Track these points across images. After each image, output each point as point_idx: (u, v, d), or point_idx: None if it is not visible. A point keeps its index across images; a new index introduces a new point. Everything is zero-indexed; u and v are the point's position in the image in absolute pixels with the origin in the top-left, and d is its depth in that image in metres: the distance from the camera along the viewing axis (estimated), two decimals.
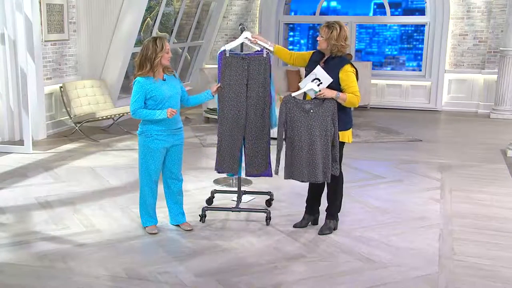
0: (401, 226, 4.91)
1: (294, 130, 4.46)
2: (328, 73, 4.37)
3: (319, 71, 4.35)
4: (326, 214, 4.75)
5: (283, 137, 4.52)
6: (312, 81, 4.35)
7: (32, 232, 4.66)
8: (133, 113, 4.41)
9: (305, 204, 4.87)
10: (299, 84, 4.52)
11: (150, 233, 4.61)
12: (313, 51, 4.69)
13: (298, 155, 4.46)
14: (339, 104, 4.41)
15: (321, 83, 4.33)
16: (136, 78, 4.40)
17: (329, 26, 4.41)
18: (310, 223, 4.84)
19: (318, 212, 4.86)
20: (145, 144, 4.48)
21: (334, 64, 4.42)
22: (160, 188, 4.74)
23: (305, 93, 4.49)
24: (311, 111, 4.41)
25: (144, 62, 4.36)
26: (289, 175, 4.55)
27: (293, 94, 4.47)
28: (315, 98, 4.39)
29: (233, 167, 4.89)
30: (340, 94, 4.37)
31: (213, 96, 4.74)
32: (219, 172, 5.03)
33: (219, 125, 4.85)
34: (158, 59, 4.35)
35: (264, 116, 4.74)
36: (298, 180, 4.56)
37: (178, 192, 4.76)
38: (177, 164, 4.68)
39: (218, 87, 4.75)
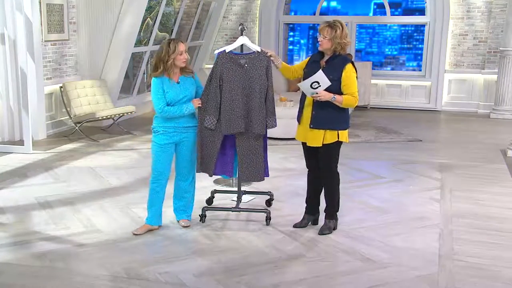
0: (401, 226, 4.91)
1: (230, 83, 4.59)
2: (330, 72, 4.39)
3: (320, 75, 4.35)
4: (325, 214, 4.75)
5: (219, 92, 4.60)
6: (312, 84, 4.36)
7: (32, 232, 4.66)
8: (161, 111, 4.47)
9: (305, 204, 4.87)
10: (298, 84, 4.53)
11: (135, 233, 4.60)
12: (309, 57, 4.71)
13: (236, 107, 4.59)
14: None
15: (319, 86, 4.35)
16: (152, 78, 4.51)
17: (332, 25, 4.41)
18: (310, 223, 4.83)
19: (318, 212, 4.86)
20: (153, 140, 4.60)
21: (336, 63, 4.43)
22: (169, 188, 4.77)
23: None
24: (246, 65, 4.58)
25: (158, 63, 4.48)
26: (227, 129, 4.60)
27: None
28: (251, 52, 4.64)
29: (209, 170, 4.80)
30: (336, 96, 4.39)
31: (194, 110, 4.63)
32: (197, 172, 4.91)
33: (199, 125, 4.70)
34: (171, 61, 4.43)
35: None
36: (235, 132, 4.61)
37: (185, 190, 4.78)
38: (185, 163, 4.69)
39: (199, 104, 4.60)
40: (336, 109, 4.45)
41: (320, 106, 4.46)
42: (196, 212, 5.03)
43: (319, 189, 4.80)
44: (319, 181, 4.73)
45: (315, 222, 4.84)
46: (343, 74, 4.40)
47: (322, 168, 4.63)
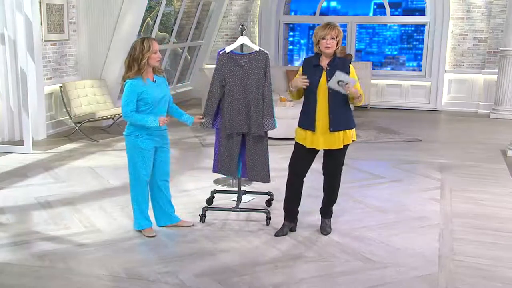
0: (401, 226, 4.91)
1: (231, 84, 4.64)
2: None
3: (343, 75, 4.24)
4: (324, 213, 4.73)
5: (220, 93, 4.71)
6: (338, 82, 4.25)
7: (32, 232, 4.66)
8: (125, 115, 4.35)
9: (300, 206, 4.71)
10: (328, 85, 4.31)
11: (149, 236, 4.56)
12: (301, 66, 4.56)
13: (236, 107, 4.66)
14: (348, 104, 4.44)
15: (345, 83, 4.24)
16: (127, 80, 4.34)
17: (336, 26, 4.36)
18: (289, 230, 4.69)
19: (297, 218, 4.74)
20: (136, 145, 4.43)
21: (340, 64, 4.38)
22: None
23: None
24: (246, 65, 4.63)
25: (131, 63, 4.31)
26: (230, 129, 4.67)
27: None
28: (251, 52, 4.67)
29: (231, 170, 4.91)
30: (360, 95, 4.41)
31: (190, 124, 4.72)
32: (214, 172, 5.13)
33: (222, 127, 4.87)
34: (145, 60, 4.29)
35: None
36: (239, 132, 4.70)
37: (169, 193, 4.76)
38: (168, 164, 4.68)
39: (200, 121, 4.72)
40: (347, 108, 4.46)
41: (335, 108, 4.38)
42: (196, 212, 5.04)
43: (301, 193, 4.69)
44: (302, 184, 4.64)
45: (293, 229, 4.71)
46: (349, 74, 4.38)
47: (333, 170, 4.58)
